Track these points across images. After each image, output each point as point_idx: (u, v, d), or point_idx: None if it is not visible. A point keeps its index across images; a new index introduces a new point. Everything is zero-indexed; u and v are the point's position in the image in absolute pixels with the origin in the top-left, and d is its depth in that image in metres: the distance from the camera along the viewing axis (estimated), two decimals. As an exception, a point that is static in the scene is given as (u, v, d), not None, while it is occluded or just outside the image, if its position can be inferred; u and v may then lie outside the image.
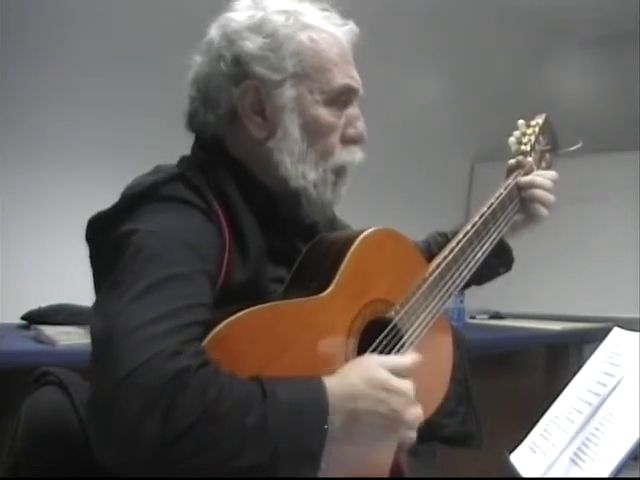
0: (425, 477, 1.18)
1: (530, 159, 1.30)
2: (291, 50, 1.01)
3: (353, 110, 1.07)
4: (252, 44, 1.01)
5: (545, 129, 1.36)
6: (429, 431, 1.07)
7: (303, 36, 1.02)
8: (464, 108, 3.33)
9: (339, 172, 1.06)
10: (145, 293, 0.82)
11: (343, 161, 1.05)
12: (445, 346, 1.15)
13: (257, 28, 1.02)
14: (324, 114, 1.03)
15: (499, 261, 1.29)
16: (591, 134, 3.32)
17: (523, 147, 1.31)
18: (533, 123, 1.35)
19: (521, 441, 1.15)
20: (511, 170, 1.30)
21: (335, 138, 1.05)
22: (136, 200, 0.94)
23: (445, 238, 1.27)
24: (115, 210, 0.95)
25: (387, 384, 0.87)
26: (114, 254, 0.88)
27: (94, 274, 0.98)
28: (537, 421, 1.15)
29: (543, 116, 1.37)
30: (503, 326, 2.75)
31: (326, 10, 1.08)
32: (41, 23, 2.38)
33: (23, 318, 2.11)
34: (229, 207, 0.98)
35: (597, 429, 1.00)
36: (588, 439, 1.00)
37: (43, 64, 2.38)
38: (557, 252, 3.00)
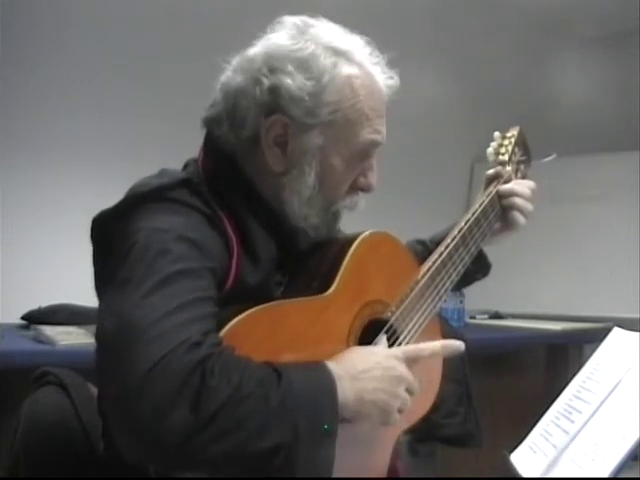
0: (425, 477, 1.18)
1: (509, 168, 1.34)
2: (330, 100, 1.00)
3: (369, 161, 1.08)
4: (293, 82, 0.98)
5: (519, 141, 1.40)
6: (429, 431, 1.08)
7: (346, 85, 1.01)
8: (464, 108, 3.33)
9: (336, 215, 1.08)
10: (158, 287, 0.83)
11: (344, 207, 1.07)
12: None
13: (302, 65, 0.99)
14: (341, 167, 1.03)
15: (476, 268, 1.31)
16: (591, 134, 3.33)
17: (501, 157, 1.35)
18: (509, 135, 1.39)
19: (521, 441, 1.15)
20: (490, 180, 1.33)
21: (345, 187, 1.06)
22: (140, 200, 0.94)
23: (423, 246, 1.31)
24: (119, 209, 0.95)
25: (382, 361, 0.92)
26: (119, 252, 0.88)
27: (96, 273, 0.98)
28: (537, 421, 1.15)
29: (517, 128, 1.41)
30: (503, 326, 2.74)
31: (375, 55, 1.07)
32: (42, 23, 2.39)
33: (23, 318, 2.11)
34: (233, 215, 0.99)
35: (597, 429, 1.00)
36: (588, 439, 1.00)
37: (43, 64, 2.39)
38: (557, 252, 3.00)
